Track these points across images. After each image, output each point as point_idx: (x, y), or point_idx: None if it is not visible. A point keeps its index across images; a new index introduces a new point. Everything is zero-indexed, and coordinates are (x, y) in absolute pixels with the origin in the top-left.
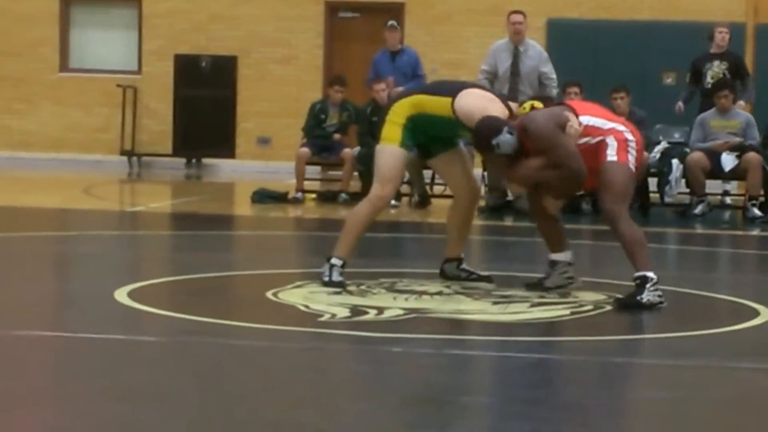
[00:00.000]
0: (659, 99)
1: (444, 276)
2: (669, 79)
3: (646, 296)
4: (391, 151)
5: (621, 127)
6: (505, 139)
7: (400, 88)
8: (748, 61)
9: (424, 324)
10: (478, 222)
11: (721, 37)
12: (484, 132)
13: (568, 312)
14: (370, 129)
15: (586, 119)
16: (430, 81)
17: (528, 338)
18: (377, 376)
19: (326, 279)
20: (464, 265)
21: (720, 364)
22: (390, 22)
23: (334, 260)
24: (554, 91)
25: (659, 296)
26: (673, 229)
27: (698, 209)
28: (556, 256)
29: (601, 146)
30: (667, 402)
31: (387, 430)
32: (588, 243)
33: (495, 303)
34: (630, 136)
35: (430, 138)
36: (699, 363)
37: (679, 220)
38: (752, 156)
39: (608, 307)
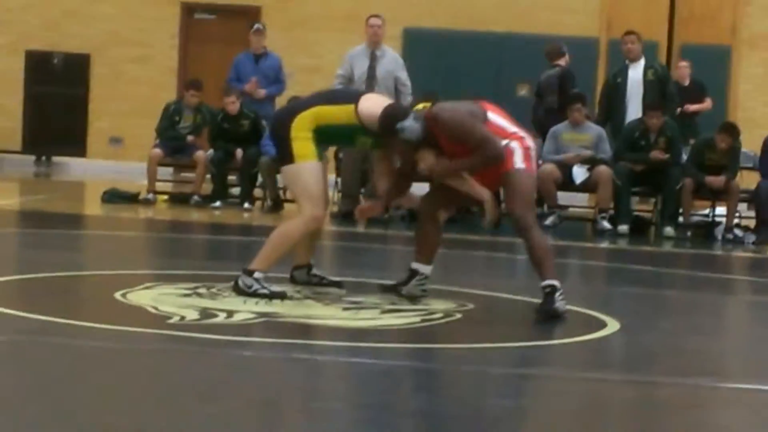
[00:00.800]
0: (513, 110)
1: (294, 282)
2: (523, 91)
3: (558, 304)
4: (310, 168)
5: (523, 133)
6: (410, 125)
7: (263, 91)
8: (601, 76)
9: (274, 328)
10: (330, 228)
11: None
12: (390, 116)
13: (418, 319)
14: (220, 134)
15: (494, 117)
16: (312, 91)
17: (378, 344)
18: (226, 379)
19: (258, 290)
20: (315, 271)
21: (567, 374)
22: (256, 25)
23: (257, 274)
24: (408, 98)
25: (565, 304)
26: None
27: (549, 220)
28: (419, 267)
29: (507, 151)
30: (514, 410)
31: None
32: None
33: (345, 309)
34: (531, 143)
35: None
36: (547, 372)
37: None
38: (603, 169)
39: (458, 315)
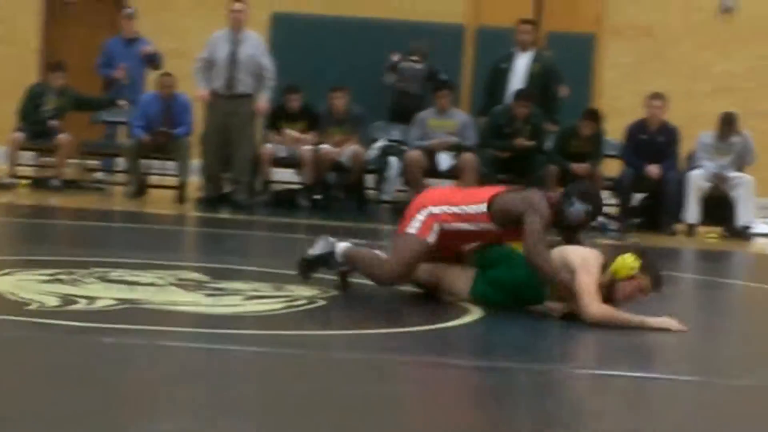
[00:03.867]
0: (380, 97)
1: None
2: (391, 79)
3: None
4: None
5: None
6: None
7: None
8: (467, 63)
9: (136, 315)
10: (193, 213)
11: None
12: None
13: (281, 306)
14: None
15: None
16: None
17: (241, 331)
18: (86, 366)
19: None
20: None
21: (432, 360)
22: (127, 10)
23: None
24: (270, 83)
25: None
26: (390, 225)
27: None
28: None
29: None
30: (379, 396)
31: (93, 423)
32: (303, 237)
33: (208, 295)
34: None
35: None
36: (412, 358)
37: (396, 217)
38: (468, 156)
39: (322, 302)
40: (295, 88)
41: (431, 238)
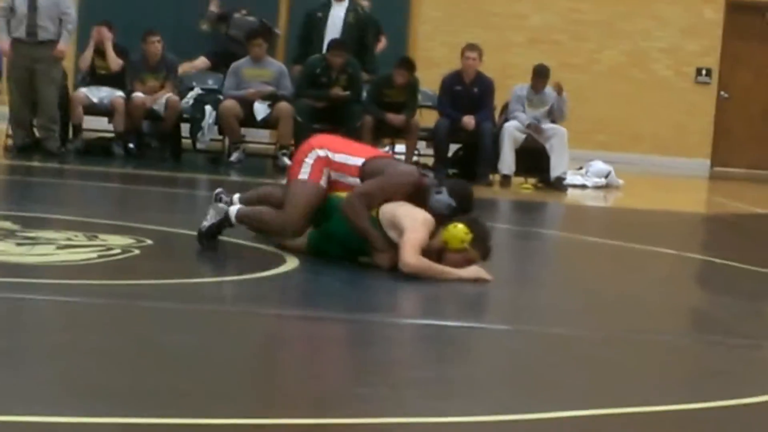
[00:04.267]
0: (195, 44)
1: None
2: (204, 26)
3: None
4: None
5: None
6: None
7: None
8: (283, 11)
9: None
10: (4, 162)
11: None
12: None
13: (95, 255)
14: None
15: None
16: None
17: (53, 281)
18: None
19: None
20: None
21: (244, 310)
22: None
23: None
24: (70, 27)
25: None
26: (205, 175)
27: (234, 156)
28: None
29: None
30: (191, 346)
31: None
32: (117, 186)
33: (19, 244)
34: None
35: None
36: (224, 308)
37: (212, 166)
38: (284, 106)
39: (136, 251)
40: (153, 31)
41: (324, 181)
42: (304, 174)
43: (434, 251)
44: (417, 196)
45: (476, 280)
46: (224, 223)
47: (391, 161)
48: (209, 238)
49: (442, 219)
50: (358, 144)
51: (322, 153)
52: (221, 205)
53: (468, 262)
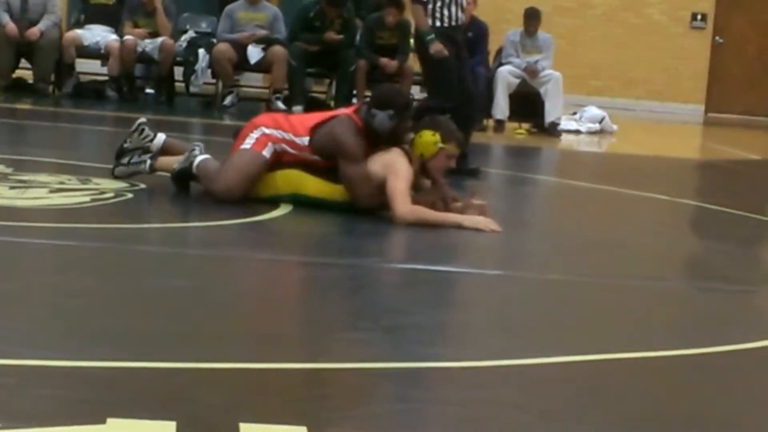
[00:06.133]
0: None
1: None
2: None
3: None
4: None
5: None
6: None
7: None
8: None
9: None
10: None
11: None
12: None
13: (88, 199)
14: None
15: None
16: None
17: (46, 224)
18: None
19: None
20: None
21: (239, 254)
22: None
23: None
24: (53, 17)
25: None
26: (199, 119)
27: (227, 100)
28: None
29: None
30: (187, 290)
31: None
32: (110, 130)
33: (12, 188)
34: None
35: None
36: (218, 252)
37: (205, 110)
38: (278, 50)
39: (129, 195)
40: None
41: (267, 152)
42: (246, 145)
43: (418, 171)
44: (369, 133)
45: (476, 229)
46: (189, 170)
47: (331, 130)
48: (177, 182)
49: (400, 129)
50: (299, 117)
51: (267, 131)
52: (195, 151)
53: (449, 159)
